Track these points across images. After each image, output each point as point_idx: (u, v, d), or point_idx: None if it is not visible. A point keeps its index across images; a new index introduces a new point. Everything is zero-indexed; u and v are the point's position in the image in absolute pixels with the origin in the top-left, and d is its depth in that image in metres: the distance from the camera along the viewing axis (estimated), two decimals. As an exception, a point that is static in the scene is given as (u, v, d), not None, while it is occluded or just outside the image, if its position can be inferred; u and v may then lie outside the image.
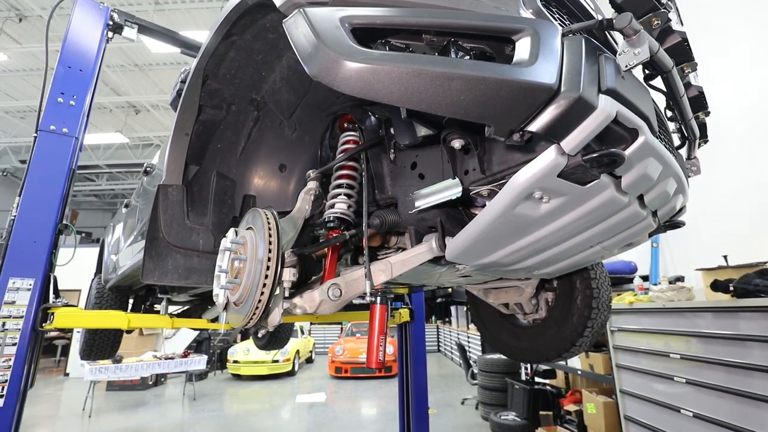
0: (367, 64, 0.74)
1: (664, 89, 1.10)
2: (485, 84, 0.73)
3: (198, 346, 10.53)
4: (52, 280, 2.21)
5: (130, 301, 3.89)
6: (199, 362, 7.27)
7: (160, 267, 1.47)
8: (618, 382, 3.09)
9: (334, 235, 1.22)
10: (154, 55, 8.74)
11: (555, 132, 0.80)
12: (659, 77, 1.04)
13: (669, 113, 1.33)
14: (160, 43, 3.28)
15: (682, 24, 1.12)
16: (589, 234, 1.21)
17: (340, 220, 1.30)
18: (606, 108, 0.77)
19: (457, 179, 1.05)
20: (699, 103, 1.22)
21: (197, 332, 10.15)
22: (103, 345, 3.60)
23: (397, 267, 1.21)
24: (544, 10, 0.89)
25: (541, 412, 4.34)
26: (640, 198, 1.12)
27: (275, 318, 1.05)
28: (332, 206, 1.33)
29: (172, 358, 7.16)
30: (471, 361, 6.56)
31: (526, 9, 0.87)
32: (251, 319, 0.98)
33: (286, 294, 1.02)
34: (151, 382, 8.49)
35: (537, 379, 4.93)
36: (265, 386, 9.04)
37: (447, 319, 13.78)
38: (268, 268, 0.96)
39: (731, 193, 3.26)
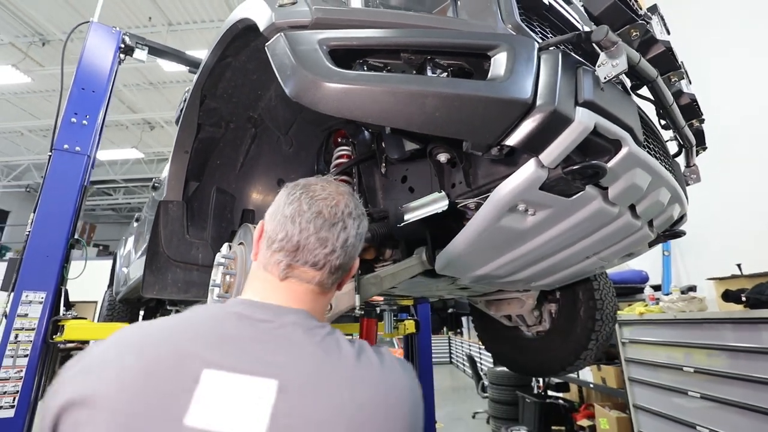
0: (342, 85, 0.76)
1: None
2: (459, 101, 0.74)
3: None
4: (63, 294, 2.28)
5: (141, 312, 3.97)
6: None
7: (160, 281, 1.50)
8: (631, 396, 2.99)
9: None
10: (167, 73, 9.04)
11: (533, 145, 0.80)
12: (647, 87, 1.04)
13: (663, 122, 1.31)
14: (171, 63, 3.40)
15: (668, 33, 1.12)
16: (582, 245, 1.20)
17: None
18: (583, 120, 0.77)
19: (443, 193, 1.06)
20: (692, 110, 1.21)
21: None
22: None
23: (387, 280, 1.21)
24: (524, 24, 0.90)
25: (553, 427, 4.21)
26: (632, 208, 1.10)
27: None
28: (325, 220, 1.35)
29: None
30: (482, 374, 6.43)
31: (505, 24, 0.88)
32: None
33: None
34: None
35: (549, 393, 4.80)
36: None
37: (459, 330, 13.58)
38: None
39: (744, 200, 3.17)
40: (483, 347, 2.51)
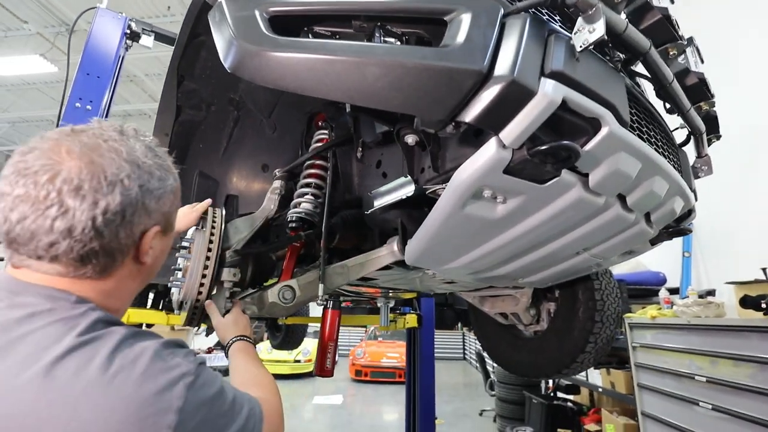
0: (276, 53, 0.69)
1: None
2: (403, 70, 0.66)
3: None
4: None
5: (150, 296, 4.06)
6: (221, 359, 7.49)
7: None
8: (640, 403, 2.83)
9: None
10: (188, 63, 9.17)
11: (492, 122, 0.71)
12: (640, 62, 0.92)
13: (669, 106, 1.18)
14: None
15: (672, 1, 0.99)
16: (567, 239, 1.09)
17: (302, 221, 1.26)
18: (549, 93, 0.68)
19: (408, 177, 0.98)
20: (699, 91, 1.07)
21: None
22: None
23: (355, 270, 1.14)
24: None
25: (559, 430, 4.08)
26: (623, 200, 0.99)
27: (217, 319, 1.02)
28: (297, 206, 1.29)
29: (198, 354, 7.42)
30: (490, 371, 6.31)
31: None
32: (191, 319, 0.96)
33: (227, 294, 0.98)
34: (178, 376, 8.85)
35: (558, 394, 4.65)
36: (286, 385, 9.16)
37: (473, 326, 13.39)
38: (206, 267, 0.93)
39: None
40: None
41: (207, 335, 2.35)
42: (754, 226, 3.00)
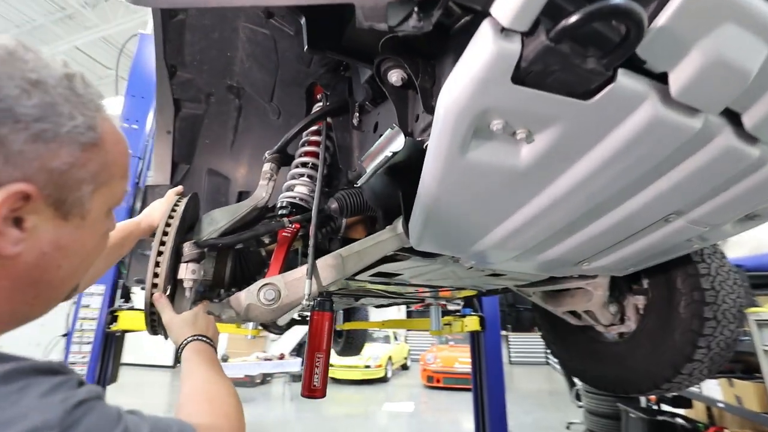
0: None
1: None
2: None
3: (300, 348, 11.27)
4: (119, 286, 2.47)
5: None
6: (293, 364, 7.71)
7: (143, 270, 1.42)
8: (783, 425, 2.14)
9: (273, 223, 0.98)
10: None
11: (476, -9, 0.43)
12: None
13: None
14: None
15: None
16: (643, 198, 0.74)
17: (294, 206, 1.06)
18: None
19: (396, 127, 0.72)
20: None
21: (302, 335, 10.88)
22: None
23: (352, 261, 0.90)
24: None
25: (669, 452, 3.35)
26: (735, 120, 0.62)
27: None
28: (290, 189, 1.10)
29: (271, 360, 7.73)
30: (575, 378, 5.56)
31: None
32: (151, 324, 0.80)
33: (187, 294, 0.81)
34: (258, 381, 9.33)
35: (663, 408, 3.86)
36: (358, 391, 9.16)
37: (554, 328, 12.22)
38: (157, 264, 0.77)
39: None
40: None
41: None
42: None
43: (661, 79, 0.53)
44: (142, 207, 1.48)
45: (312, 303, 0.85)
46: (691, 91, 0.52)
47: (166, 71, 1.34)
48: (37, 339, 2.41)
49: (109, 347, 2.41)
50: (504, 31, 0.44)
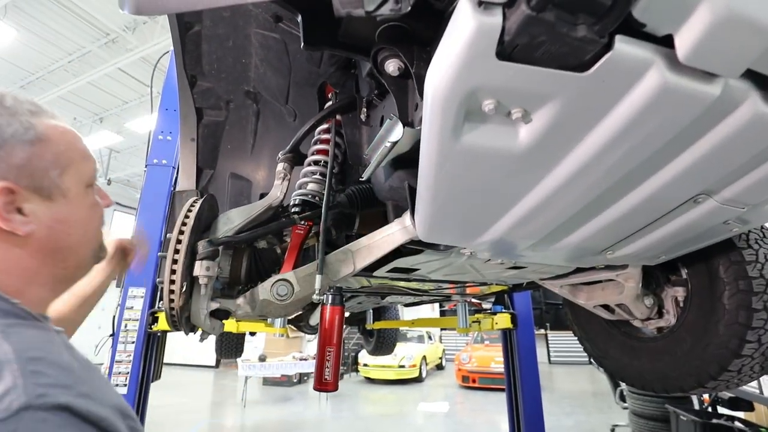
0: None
1: None
2: None
3: (334, 348, 11.43)
4: (159, 289, 2.62)
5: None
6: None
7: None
8: None
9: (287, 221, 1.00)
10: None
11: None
12: None
13: None
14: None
15: None
16: (664, 178, 0.69)
17: (307, 203, 1.07)
18: None
19: (395, 117, 0.71)
20: None
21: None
22: (229, 346, 4.14)
23: (361, 256, 0.90)
24: None
25: (727, 459, 3.09)
26: (761, 82, 0.56)
27: (199, 321, 0.87)
28: (302, 187, 1.12)
29: (306, 360, 7.91)
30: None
31: None
32: (173, 322, 0.84)
33: (203, 291, 0.84)
34: (295, 380, 9.57)
35: (719, 410, 3.57)
36: (393, 391, 9.17)
37: (596, 327, 11.65)
38: (174, 261, 0.81)
39: None
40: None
41: (201, 341, 2.33)
42: None
43: (667, 42, 0.49)
44: (171, 213, 1.55)
45: (323, 298, 0.85)
46: (701, 53, 0.47)
47: (187, 81, 1.40)
48: (95, 341, 2.61)
49: (151, 347, 2.56)
50: (482, 4, 0.43)
